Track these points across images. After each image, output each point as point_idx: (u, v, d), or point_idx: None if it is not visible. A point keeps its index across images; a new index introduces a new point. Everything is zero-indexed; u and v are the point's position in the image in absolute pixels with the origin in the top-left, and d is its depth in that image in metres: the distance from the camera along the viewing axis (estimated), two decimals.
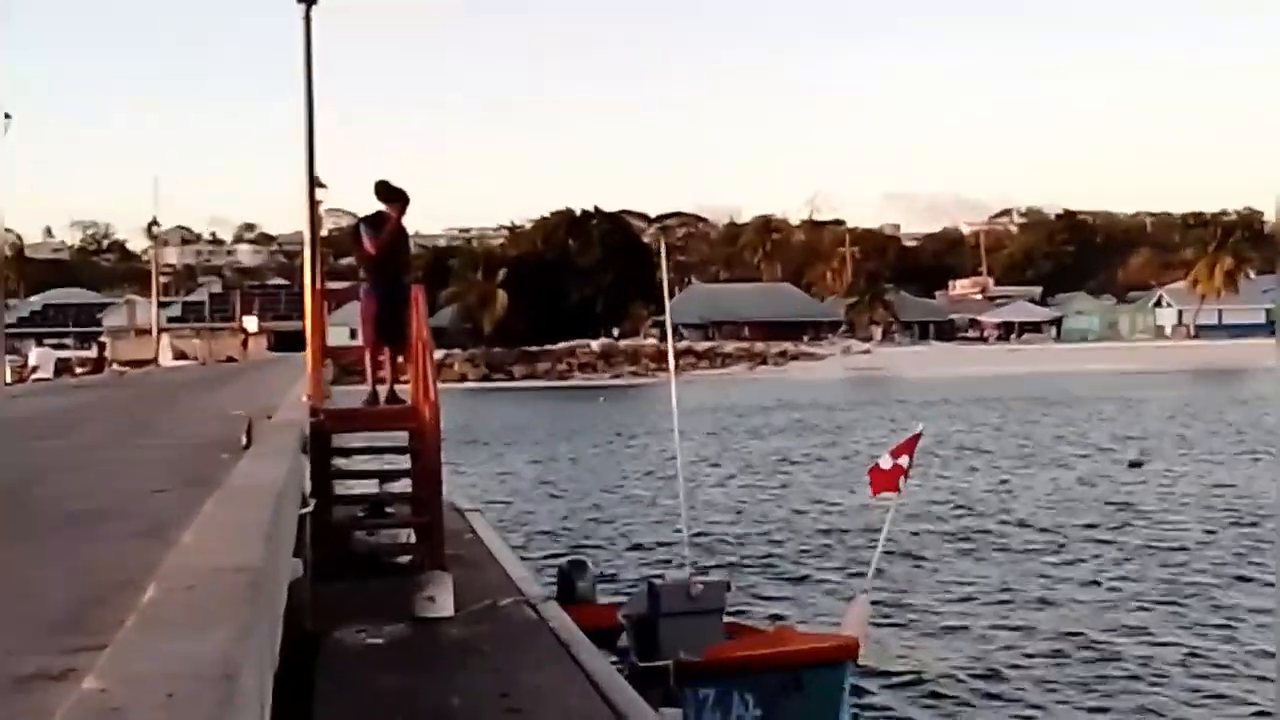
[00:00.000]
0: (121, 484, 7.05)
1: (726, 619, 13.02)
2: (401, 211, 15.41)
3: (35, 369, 41.74)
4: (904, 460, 14.17)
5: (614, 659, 11.90)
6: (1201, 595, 20.71)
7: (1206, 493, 32.54)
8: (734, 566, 23.16)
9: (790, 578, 23.21)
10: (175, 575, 3.68)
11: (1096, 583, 21.85)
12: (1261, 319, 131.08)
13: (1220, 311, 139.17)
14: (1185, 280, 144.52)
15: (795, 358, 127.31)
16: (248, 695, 2.84)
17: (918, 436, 14.62)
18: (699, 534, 23.36)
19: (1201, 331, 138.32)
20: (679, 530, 19.19)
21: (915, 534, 26.47)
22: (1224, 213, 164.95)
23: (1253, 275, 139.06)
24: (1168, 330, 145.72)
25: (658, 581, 12.94)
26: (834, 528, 29.00)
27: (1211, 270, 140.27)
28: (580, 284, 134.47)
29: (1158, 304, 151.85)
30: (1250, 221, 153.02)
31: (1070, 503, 31.84)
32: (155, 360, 58.83)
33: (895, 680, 15.82)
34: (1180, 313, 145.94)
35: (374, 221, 15.47)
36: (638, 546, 26.55)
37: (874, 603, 15.14)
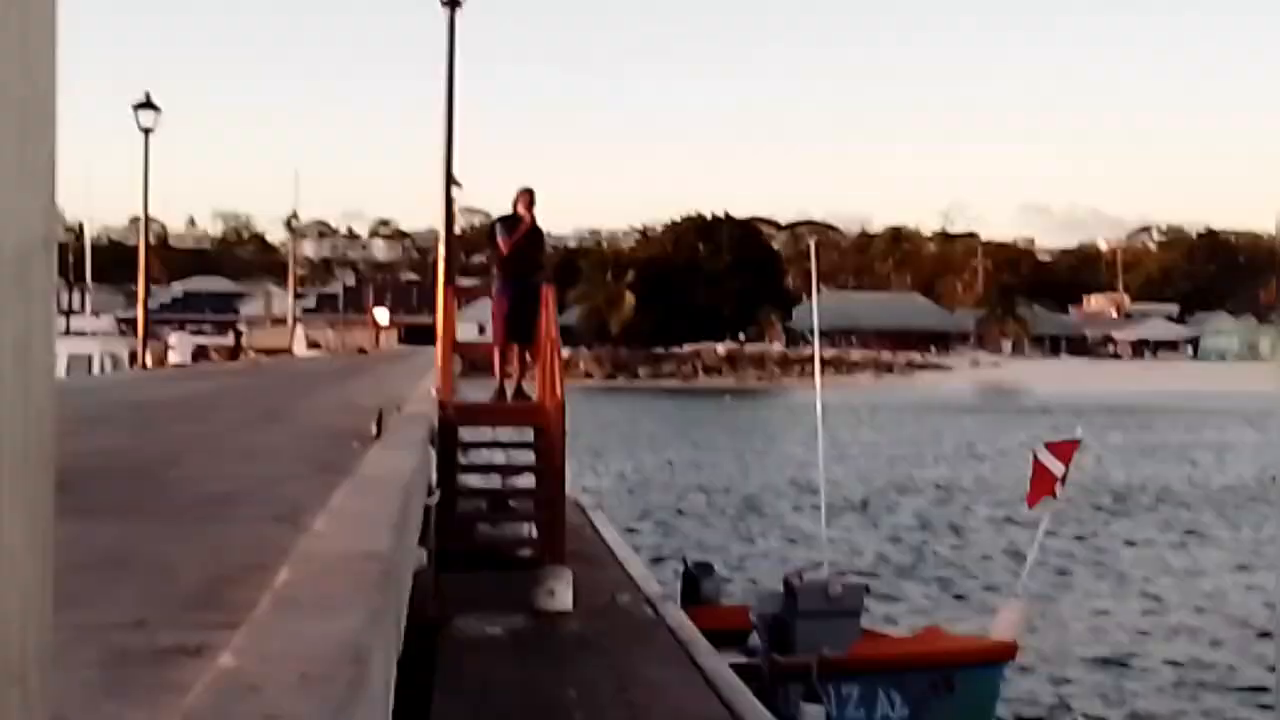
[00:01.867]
0: (255, 469, 7.19)
1: (865, 626, 12.83)
2: (529, 206, 15.56)
3: (171, 352, 42.75)
4: (1060, 468, 13.83)
5: (744, 659, 11.76)
6: None
7: None
8: (872, 573, 22.69)
9: (933, 583, 22.89)
10: (308, 559, 3.75)
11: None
12: None
13: None
14: None
15: (922, 368, 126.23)
16: (375, 678, 2.89)
17: (1076, 443, 14.25)
18: (834, 538, 23.11)
19: None
20: (816, 530, 19.05)
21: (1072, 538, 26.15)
22: None
23: None
24: None
25: (795, 580, 12.63)
26: (978, 536, 28.76)
27: None
28: (708, 288, 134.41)
29: None
30: None
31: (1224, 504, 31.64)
32: (289, 349, 59.86)
33: (1050, 686, 15.63)
34: None
35: (508, 222, 15.65)
36: (767, 553, 26.17)
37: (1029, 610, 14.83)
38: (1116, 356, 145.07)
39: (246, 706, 2.24)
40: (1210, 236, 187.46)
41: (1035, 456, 14.11)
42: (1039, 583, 19.95)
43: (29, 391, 0.92)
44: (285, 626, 2.86)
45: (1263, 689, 15.89)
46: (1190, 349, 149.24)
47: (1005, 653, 12.31)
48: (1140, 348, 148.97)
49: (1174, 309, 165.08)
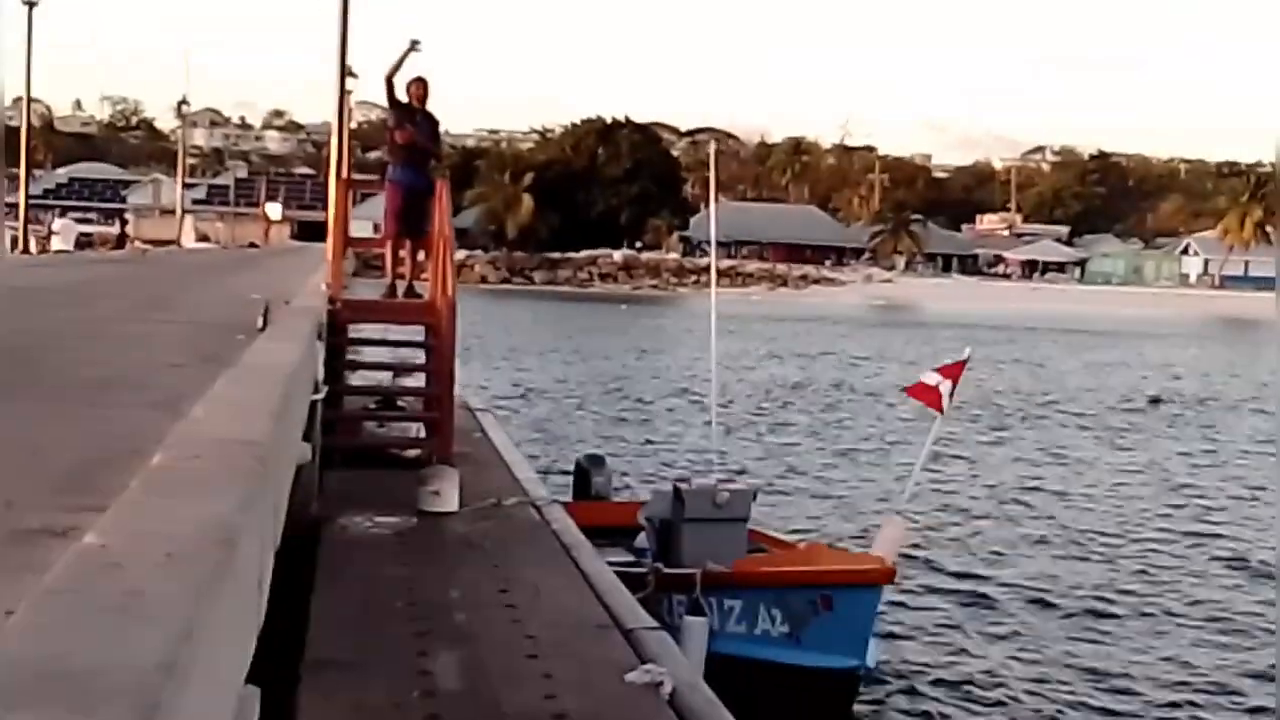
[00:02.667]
0: (137, 356, 7.08)
1: (750, 528, 12.90)
2: (423, 98, 15.37)
3: (55, 238, 41.74)
4: (948, 384, 13.81)
5: (630, 559, 11.96)
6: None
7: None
8: (759, 477, 22.67)
9: (818, 494, 23.07)
10: (182, 444, 3.70)
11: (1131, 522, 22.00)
12: None
13: (1247, 263, 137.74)
14: (1215, 230, 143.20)
15: (816, 281, 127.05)
16: (246, 563, 2.87)
17: (964, 362, 14.21)
18: (724, 449, 23.18)
19: (1227, 282, 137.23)
20: (706, 437, 19.14)
21: (952, 461, 26.41)
22: (1259, 164, 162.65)
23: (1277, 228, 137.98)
24: (1192, 279, 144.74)
25: (683, 485, 12.64)
26: (863, 446, 29.15)
27: (1242, 221, 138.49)
28: (606, 194, 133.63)
29: (1185, 252, 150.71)
30: None
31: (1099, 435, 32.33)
32: (178, 241, 58.89)
33: (924, 608, 15.89)
34: (1207, 262, 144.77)
35: (402, 110, 15.44)
36: (657, 450, 26.33)
37: (910, 528, 15.04)
38: (1006, 276, 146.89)
39: (109, 583, 2.21)
40: (1102, 158, 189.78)
41: (921, 378, 14.26)
42: (922, 501, 20.29)
43: None
44: (154, 507, 2.83)
45: (1112, 601, 16.48)
46: (1078, 271, 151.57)
47: (884, 576, 12.42)
48: (1029, 268, 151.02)
49: (1064, 231, 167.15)
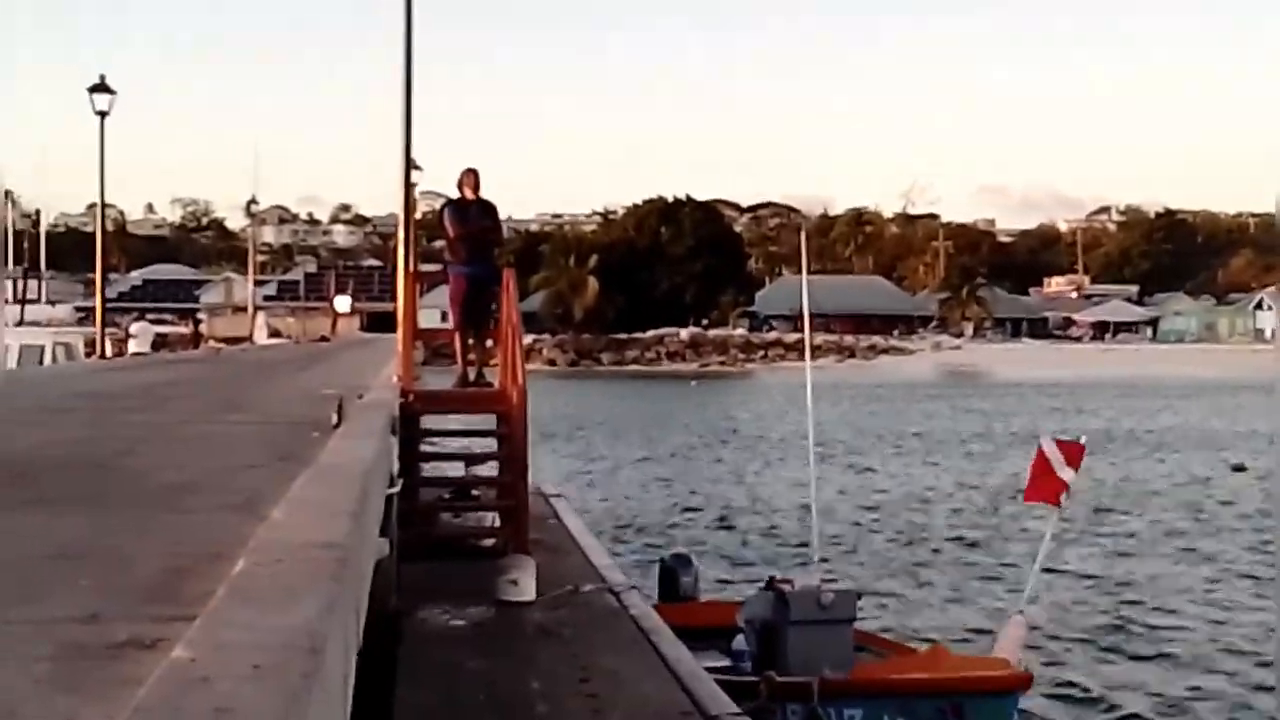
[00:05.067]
0: (214, 459, 7.14)
1: (856, 628, 12.36)
2: (475, 188, 15.52)
3: (132, 341, 42.36)
4: (1068, 474, 12.95)
5: (728, 663, 11.53)
6: None
7: None
8: (860, 574, 21.63)
9: (928, 590, 21.57)
10: (264, 549, 3.72)
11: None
12: None
13: None
14: None
15: (885, 351, 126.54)
16: (332, 669, 2.87)
17: (1082, 448, 13.36)
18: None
19: None
20: (807, 526, 18.31)
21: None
22: None
23: None
24: (1268, 333, 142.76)
25: (785, 587, 12.09)
26: (974, 536, 27.11)
27: None
28: (670, 272, 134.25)
29: (1258, 306, 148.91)
30: None
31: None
32: (250, 338, 59.52)
33: (1058, 713, 14.86)
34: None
35: (455, 204, 15.59)
36: (747, 545, 24.94)
37: (1033, 628, 14.09)
38: (1077, 339, 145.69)
39: (198, 698, 2.22)
40: (1168, 216, 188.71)
41: (1041, 448, 13.35)
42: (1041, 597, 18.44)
43: None
44: (240, 617, 2.84)
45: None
46: (1150, 330, 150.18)
47: (1019, 682, 11.86)
48: (1101, 329, 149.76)
49: (1133, 290, 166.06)
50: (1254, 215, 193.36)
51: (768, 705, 10.64)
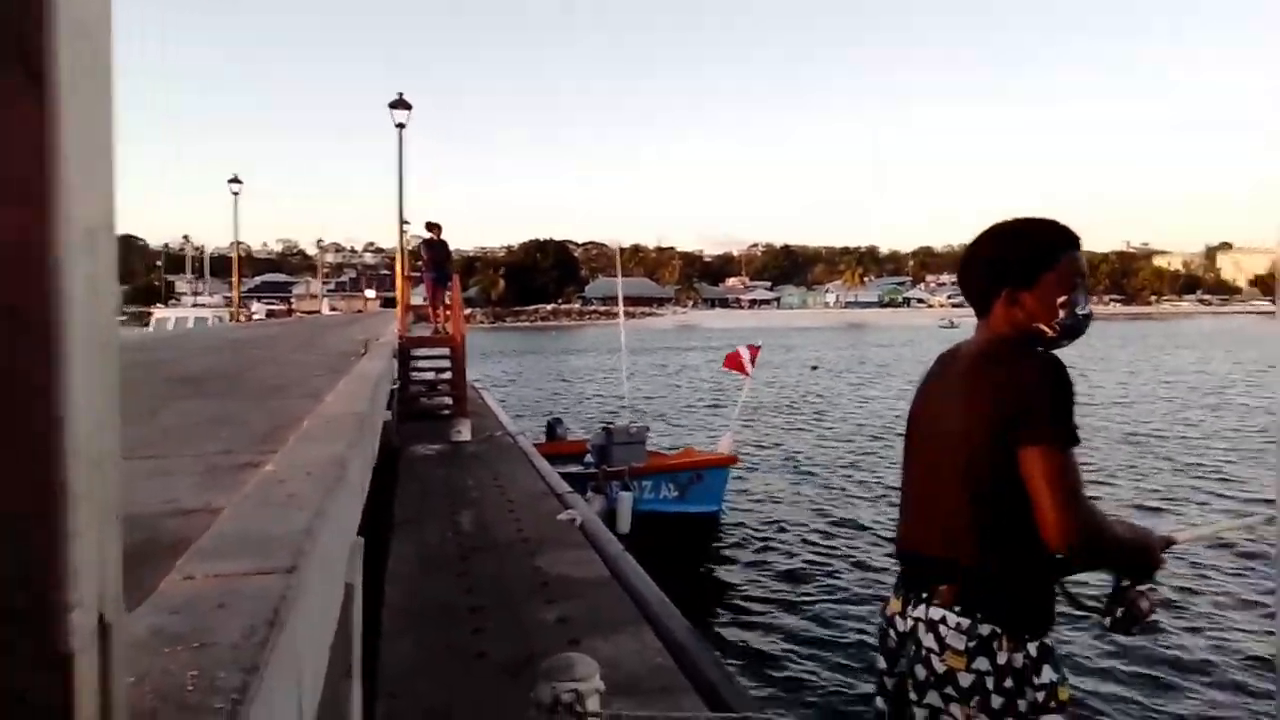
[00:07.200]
0: (296, 372, 6.83)
1: (648, 449, 11.86)
2: (438, 232, 15.19)
3: (255, 315, 40.27)
4: (750, 359, 12.54)
5: (582, 469, 11.11)
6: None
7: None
8: (648, 418, 21.27)
9: (684, 424, 21.36)
10: (319, 417, 3.61)
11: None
12: (874, 299, 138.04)
13: (856, 296, 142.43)
14: (841, 280, 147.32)
15: (648, 315, 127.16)
16: (354, 476, 2.81)
17: (758, 347, 12.87)
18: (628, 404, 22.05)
19: (847, 306, 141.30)
20: (621, 400, 18.06)
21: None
22: (859, 247, 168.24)
23: (871, 278, 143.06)
24: (830, 304, 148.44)
25: (611, 426, 11.65)
26: (699, 399, 26.90)
27: (853, 276, 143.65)
28: (541, 277, 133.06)
29: (827, 291, 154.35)
30: (871, 250, 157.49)
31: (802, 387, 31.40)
32: (319, 311, 56.84)
33: (754, 483, 14.29)
34: (837, 296, 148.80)
35: (429, 243, 15.28)
36: (589, 414, 24.60)
37: (736, 438, 13.15)
38: (742, 307, 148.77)
39: (277, 490, 2.16)
40: (786, 249, 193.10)
41: (737, 350, 12.81)
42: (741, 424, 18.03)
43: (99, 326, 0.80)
44: (303, 449, 2.76)
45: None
46: (777, 303, 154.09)
47: (730, 460, 11.71)
48: (754, 304, 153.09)
49: (769, 284, 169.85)
50: (825, 247, 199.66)
51: (602, 484, 10.54)
